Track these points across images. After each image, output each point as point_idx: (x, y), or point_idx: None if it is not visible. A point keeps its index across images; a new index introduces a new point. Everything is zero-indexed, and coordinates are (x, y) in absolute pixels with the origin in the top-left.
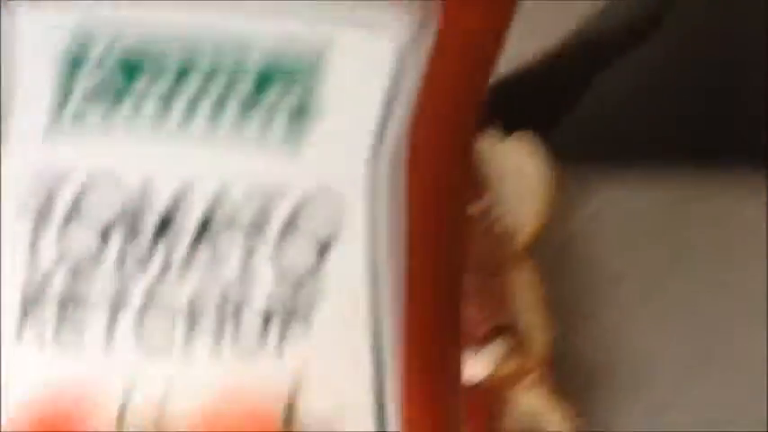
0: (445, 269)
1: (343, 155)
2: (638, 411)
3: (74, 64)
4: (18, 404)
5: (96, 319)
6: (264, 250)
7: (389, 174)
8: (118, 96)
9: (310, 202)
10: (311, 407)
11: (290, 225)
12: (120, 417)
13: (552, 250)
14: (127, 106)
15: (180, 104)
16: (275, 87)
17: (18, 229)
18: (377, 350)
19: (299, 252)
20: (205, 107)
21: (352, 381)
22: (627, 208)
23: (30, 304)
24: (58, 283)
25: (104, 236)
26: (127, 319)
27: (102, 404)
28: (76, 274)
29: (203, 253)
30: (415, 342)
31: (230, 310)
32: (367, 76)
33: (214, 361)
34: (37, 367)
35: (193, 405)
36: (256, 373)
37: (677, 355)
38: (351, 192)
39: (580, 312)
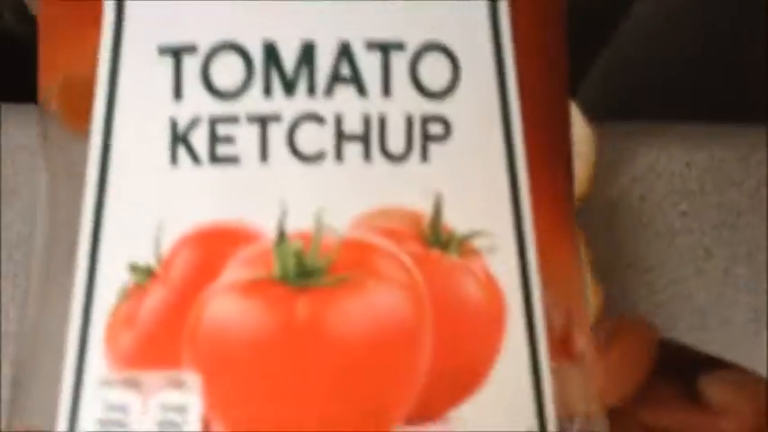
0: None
1: None
2: None
3: None
4: (179, 235)
5: (248, 133)
6: (402, 67)
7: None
8: None
9: (439, 34)
10: (454, 217)
11: (425, 48)
12: (280, 227)
13: (602, 212)
14: None
15: None
16: None
17: (159, 69)
18: (512, 175)
19: (435, 70)
20: None
21: (491, 204)
22: (671, 169)
23: (180, 128)
24: (206, 108)
25: (248, 66)
26: (278, 132)
27: (261, 220)
28: (224, 99)
29: (345, 72)
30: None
31: (375, 120)
32: None
33: (365, 166)
34: (195, 187)
35: (348, 212)
36: (405, 178)
37: (736, 311)
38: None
39: (635, 270)
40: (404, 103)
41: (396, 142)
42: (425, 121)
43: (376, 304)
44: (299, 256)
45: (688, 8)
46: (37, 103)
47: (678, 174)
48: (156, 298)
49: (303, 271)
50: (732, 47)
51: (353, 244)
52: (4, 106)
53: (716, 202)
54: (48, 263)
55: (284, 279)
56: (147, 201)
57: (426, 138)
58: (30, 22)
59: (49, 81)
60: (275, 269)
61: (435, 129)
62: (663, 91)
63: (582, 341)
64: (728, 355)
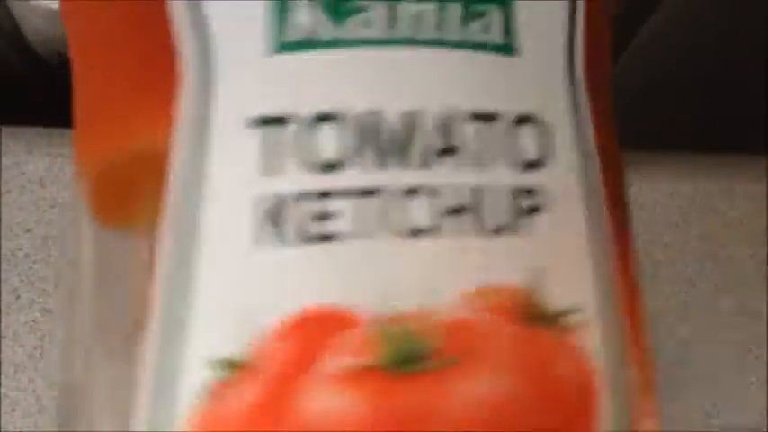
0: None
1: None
2: (679, 403)
3: None
4: (269, 324)
5: (345, 209)
6: (499, 139)
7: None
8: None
9: (531, 106)
10: (552, 292)
11: (519, 119)
12: (380, 309)
13: None
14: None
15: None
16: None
17: (247, 142)
18: (596, 244)
19: (530, 141)
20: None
21: (582, 277)
22: (654, 199)
23: (269, 207)
24: (298, 184)
25: (346, 139)
26: (377, 207)
27: (359, 302)
28: (319, 174)
29: (446, 144)
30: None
31: (475, 193)
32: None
33: (464, 241)
34: (286, 271)
35: (449, 290)
36: (504, 252)
37: (719, 345)
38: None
39: None
40: (502, 175)
41: (495, 215)
42: (523, 193)
43: (484, 387)
44: (401, 339)
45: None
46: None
47: (661, 204)
48: (247, 394)
49: (408, 356)
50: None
51: (457, 324)
52: None
53: (699, 234)
54: (70, 358)
55: (388, 365)
56: (231, 288)
57: (524, 210)
58: (25, 51)
59: (84, 168)
60: (378, 355)
61: (532, 201)
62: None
63: (653, 402)
64: (712, 388)
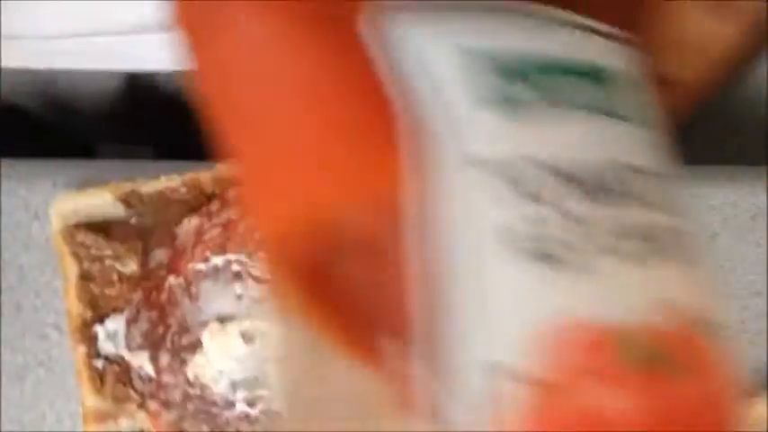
0: None
1: None
2: None
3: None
4: (538, 335)
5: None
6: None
7: None
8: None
9: None
10: None
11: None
12: (623, 336)
13: None
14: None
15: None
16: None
17: (476, 175)
18: None
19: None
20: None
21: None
22: None
23: (510, 232)
24: (524, 213)
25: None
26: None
27: (601, 316)
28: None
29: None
30: None
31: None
32: None
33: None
34: (538, 285)
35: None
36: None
37: None
38: None
39: None
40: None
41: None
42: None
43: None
44: (647, 349)
45: None
46: None
47: None
48: (533, 399)
49: (656, 363)
50: None
51: (673, 338)
52: None
53: None
54: None
55: (642, 370)
56: (502, 300)
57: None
58: None
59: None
60: (631, 362)
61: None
62: None
63: None
64: None
